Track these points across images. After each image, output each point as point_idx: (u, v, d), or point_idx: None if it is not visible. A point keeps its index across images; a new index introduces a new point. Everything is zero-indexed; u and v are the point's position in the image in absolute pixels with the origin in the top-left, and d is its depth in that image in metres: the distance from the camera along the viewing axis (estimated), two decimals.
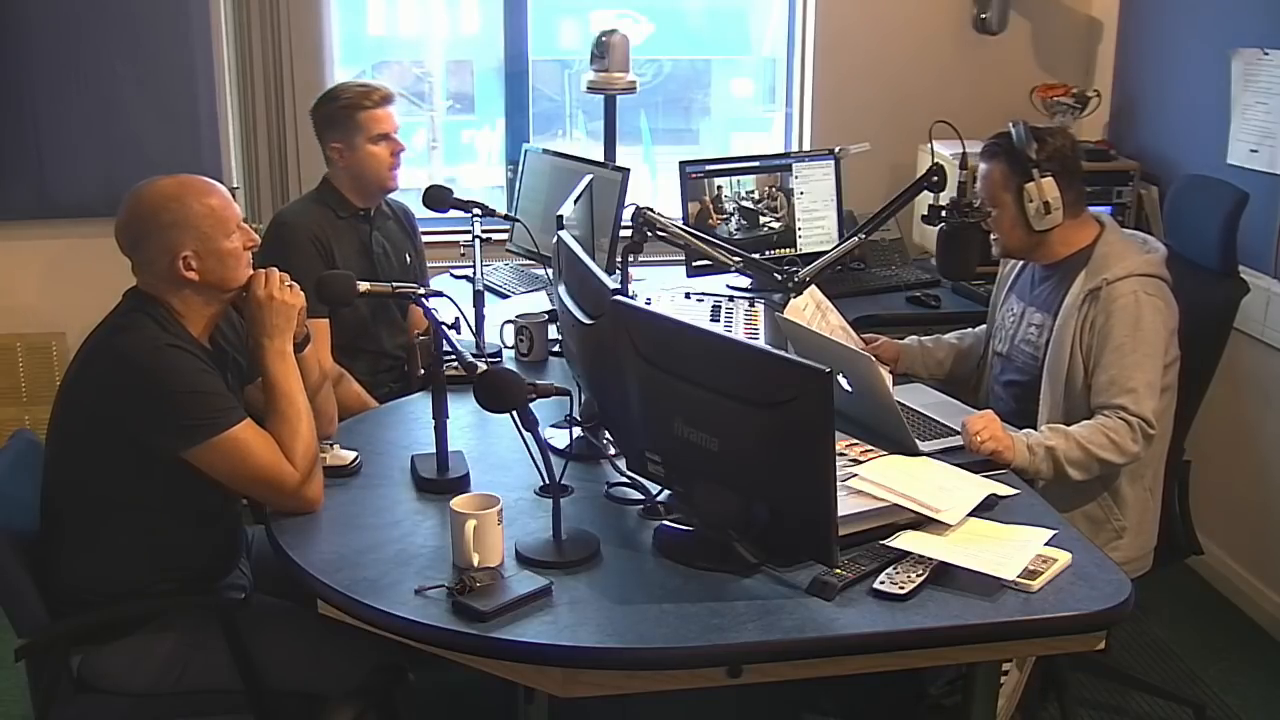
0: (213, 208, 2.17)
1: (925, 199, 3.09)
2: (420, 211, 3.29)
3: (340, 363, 2.90)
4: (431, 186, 3.19)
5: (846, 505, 2.04)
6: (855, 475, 2.18)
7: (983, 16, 4.14)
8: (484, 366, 2.06)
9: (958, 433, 2.53)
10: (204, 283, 2.18)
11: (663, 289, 3.34)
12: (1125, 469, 2.58)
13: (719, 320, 3.03)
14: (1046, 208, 2.61)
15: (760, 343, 2.76)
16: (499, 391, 2.01)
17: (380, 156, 3.03)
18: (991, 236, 2.77)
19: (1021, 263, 2.88)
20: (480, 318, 2.90)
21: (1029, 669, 2.53)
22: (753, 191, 3.69)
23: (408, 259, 3.21)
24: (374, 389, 3.03)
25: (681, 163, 3.61)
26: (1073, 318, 2.58)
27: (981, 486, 2.20)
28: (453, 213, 3.20)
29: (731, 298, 3.24)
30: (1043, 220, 2.62)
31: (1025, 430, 2.52)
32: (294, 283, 2.29)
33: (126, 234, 2.18)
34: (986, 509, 2.17)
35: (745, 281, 3.51)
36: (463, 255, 3.18)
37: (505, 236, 3.71)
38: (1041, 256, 2.74)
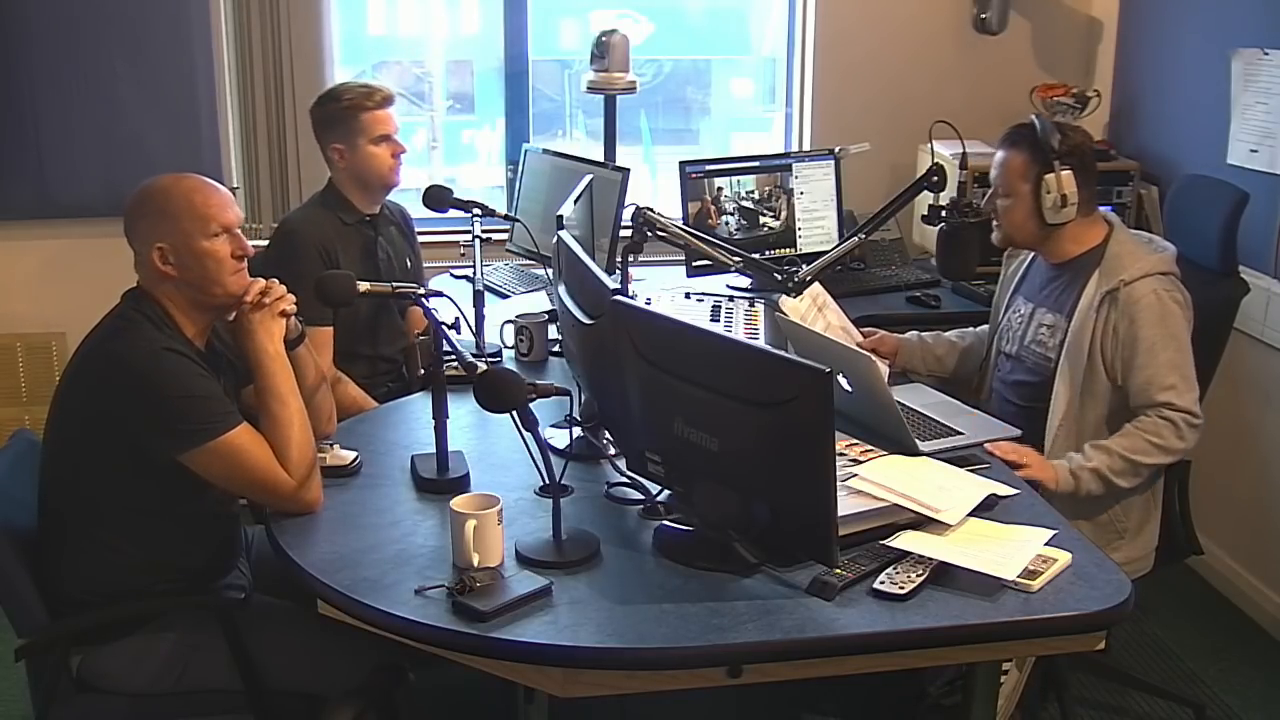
0: (194, 204, 2.17)
1: (925, 199, 3.09)
2: (420, 211, 3.29)
3: (338, 367, 2.89)
4: (431, 186, 3.19)
5: (846, 505, 2.04)
6: (855, 475, 2.18)
7: (983, 16, 4.14)
8: (484, 366, 2.06)
9: (958, 433, 2.53)
10: (182, 280, 2.18)
11: (663, 289, 3.34)
12: None
13: (719, 320, 3.03)
14: (1063, 200, 2.60)
15: (760, 343, 2.76)
16: (499, 391, 2.01)
17: (381, 157, 3.03)
18: (993, 223, 2.75)
19: (1027, 263, 2.87)
20: (480, 318, 2.90)
21: (1029, 669, 2.54)
22: (753, 191, 3.69)
23: (408, 263, 3.22)
24: (372, 390, 3.03)
25: (681, 163, 3.60)
26: (1090, 319, 2.58)
27: (981, 486, 2.20)
28: (453, 213, 3.20)
29: (731, 298, 3.24)
30: (1058, 214, 2.62)
31: (1067, 455, 2.54)
32: (277, 280, 2.28)
33: (125, 224, 2.21)
34: (986, 509, 2.17)
35: (745, 281, 3.51)
36: (463, 255, 3.18)
37: (505, 236, 3.71)
38: (1049, 253, 2.73)
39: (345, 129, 3.01)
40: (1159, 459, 2.50)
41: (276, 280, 2.28)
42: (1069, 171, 2.60)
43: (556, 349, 2.97)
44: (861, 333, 2.95)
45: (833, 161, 3.78)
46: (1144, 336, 2.52)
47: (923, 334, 3.05)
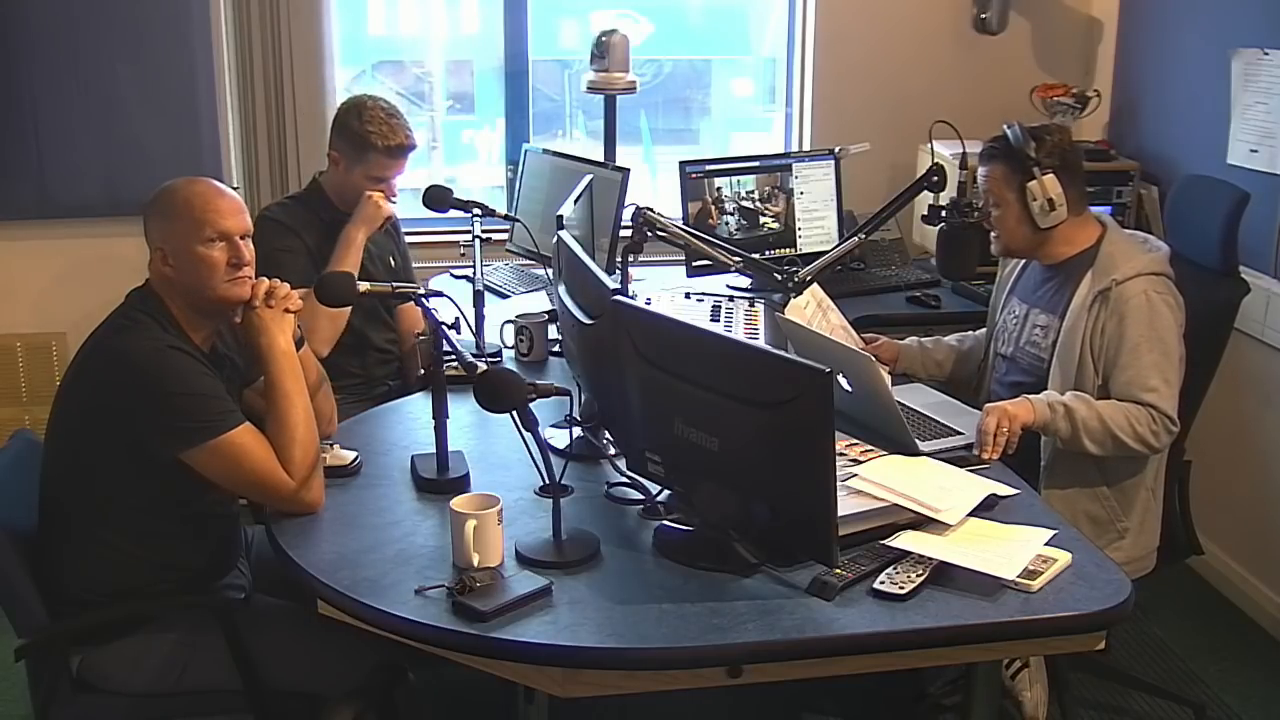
0: (193, 208, 2.17)
1: (925, 199, 3.10)
2: (420, 211, 3.29)
3: (332, 360, 2.88)
4: (431, 186, 3.19)
5: (846, 505, 2.04)
6: (855, 475, 2.18)
7: (983, 16, 4.15)
8: (484, 366, 2.06)
9: (958, 433, 2.53)
10: (179, 282, 2.18)
11: (663, 289, 3.34)
12: (1129, 469, 2.59)
13: (719, 320, 3.03)
14: (1050, 204, 2.61)
15: (760, 343, 2.76)
16: (499, 391, 2.01)
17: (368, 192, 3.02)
18: (991, 235, 2.76)
19: (1022, 264, 2.88)
20: (480, 318, 2.90)
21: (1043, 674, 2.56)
22: (753, 191, 3.69)
23: (393, 262, 3.21)
24: (370, 387, 3.03)
25: (681, 163, 3.61)
26: (1082, 319, 2.58)
27: (981, 486, 2.20)
28: (453, 213, 3.19)
29: (731, 298, 3.24)
30: (1048, 217, 2.62)
31: (1046, 391, 2.54)
32: (283, 280, 2.28)
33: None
34: (986, 509, 2.17)
35: (745, 281, 3.51)
36: (463, 255, 3.18)
37: (505, 236, 3.71)
38: (1045, 256, 2.73)
39: (352, 149, 3.01)
40: (1127, 442, 2.48)
41: (279, 280, 2.28)
42: (1051, 175, 2.61)
43: (556, 349, 2.97)
44: (862, 338, 2.94)
45: (833, 161, 3.78)
46: (1130, 336, 2.52)
47: (922, 339, 3.04)
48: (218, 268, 2.18)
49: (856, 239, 3.15)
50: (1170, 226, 3.07)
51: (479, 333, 2.90)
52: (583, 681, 1.83)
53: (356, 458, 2.36)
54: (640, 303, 2.65)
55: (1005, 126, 2.69)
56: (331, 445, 2.37)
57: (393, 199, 3.07)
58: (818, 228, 3.77)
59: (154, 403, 2.08)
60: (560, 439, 2.41)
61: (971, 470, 2.31)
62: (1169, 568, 2.79)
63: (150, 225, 2.20)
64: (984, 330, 3.02)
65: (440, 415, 2.31)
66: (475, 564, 1.94)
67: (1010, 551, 1.99)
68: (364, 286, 2.39)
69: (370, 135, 2.97)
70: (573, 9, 4.51)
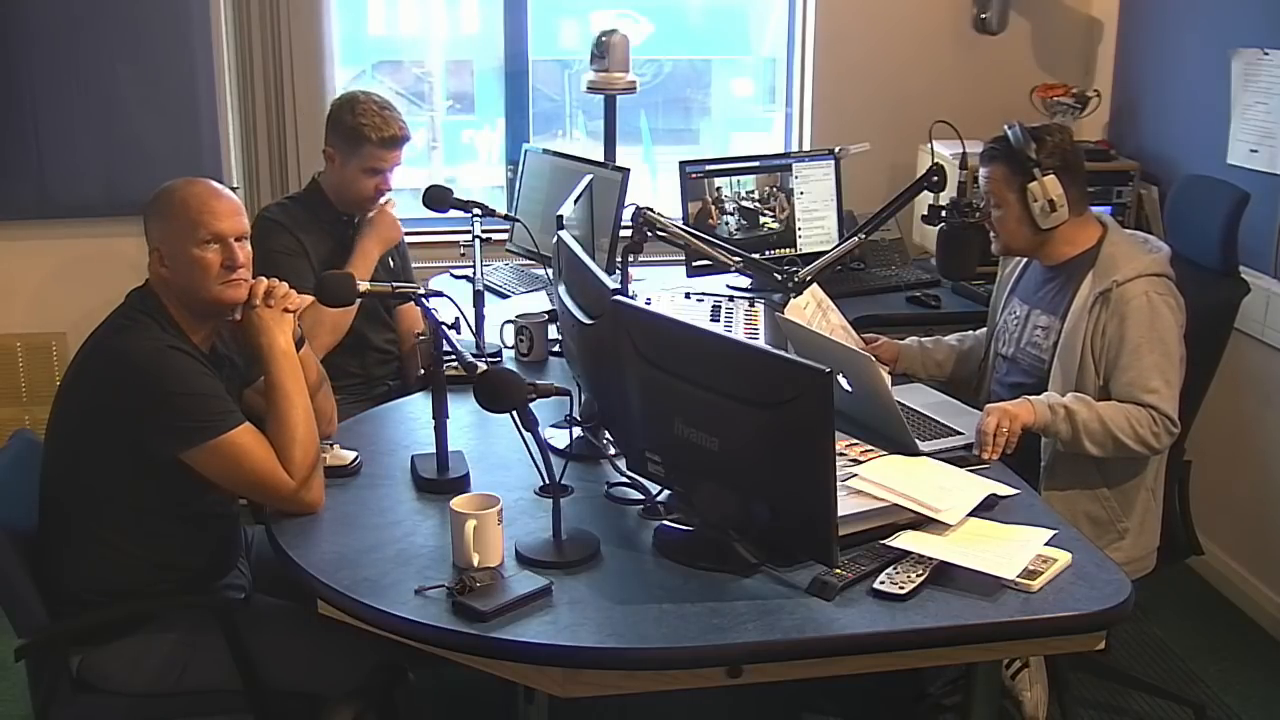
0: (188, 209, 2.17)
1: (925, 199, 3.10)
2: (420, 212, 3.29)
3: (332, 360, 2.88)
4: (431, 186, 3.19)
5: (846, 505, 2.04)
6: (855, 475, 2.18)
7: (983, 16, 4.15)
8: (484, 366, 2.06)
9: (958, 433, 2.53)
10: (175, 284, 2.18)
11: (663, 289, 3.34)
12: (1129, 469, 2.58)
13: (719, 320, 3.03)
14: (1051, 205, 2.61)
15: (760, 343, 2.76)
16: (499, 391, 2.01)
17: (364, 186, 3.02)
18: (991, 234, 2.76)
19: (1022, 265, 2.88)
20: (480, 318, 2.90)
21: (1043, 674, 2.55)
22: (753, 191, 3.69)
23: (392, 263, 3.21)
24: (370, 387, 3.02)
25: (681, 163, 3.61)
26: (1083, 320, 2.58)
27: (981, 486, 2.20)
28: (453, 213, 3.19)
29: (731, 298, 3.24)
30: (1049, 218, 2.62)
31: (1047, 393, 2.54)
32: (281, 280, 2.28)
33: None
34: (986, 509, 2.17)
35: (745, 281, 3.51)
36: (463, 255, 3.18)
37: (505, 236, 3.71)
38: (1045, 256, 2.73)
39: (346, 144, 3.00)
40: (1128, 443, 2.48)
41: (278, 280, 2.28)
42: (1052, 176, 2.60)
43: (556, 349, 2.97)
44: (862, 338, 2.94)
45: (833, 161, 3.78)
46: (1130, 337, 2.52)
47: (922, 339, 3.04)
48: (211, 269, 2.18)
49: (856, 239, 3.15)
50: (1170, 226, 3.07)
51: (479, 333, 2.90)
52: (583, 681, 1.83)
53: (356, 458, 2.36)
54: (640, 303, 2.65)
55: (1006, 127, 2.68)
56: (331, 445, 2.37)
57: (386, 190, 3.05)
58: (818, 228, 3.77)
59: (154, 402, 2.08)
60: (560, 439, 2.41)
61: (971, 470, 2.32)
62: (1169, 568, 2.79)
63: (149, 226, 2.21)
64: (984, 330, 3.02)
65: (440, 415, 2.31)
66: (475, 564, 1.94)
67: (1010, 551, 1.99)
68: (364, 286, 2.39)
69: (363, 128, 2.97)
70: (573, 9, 4.51)
